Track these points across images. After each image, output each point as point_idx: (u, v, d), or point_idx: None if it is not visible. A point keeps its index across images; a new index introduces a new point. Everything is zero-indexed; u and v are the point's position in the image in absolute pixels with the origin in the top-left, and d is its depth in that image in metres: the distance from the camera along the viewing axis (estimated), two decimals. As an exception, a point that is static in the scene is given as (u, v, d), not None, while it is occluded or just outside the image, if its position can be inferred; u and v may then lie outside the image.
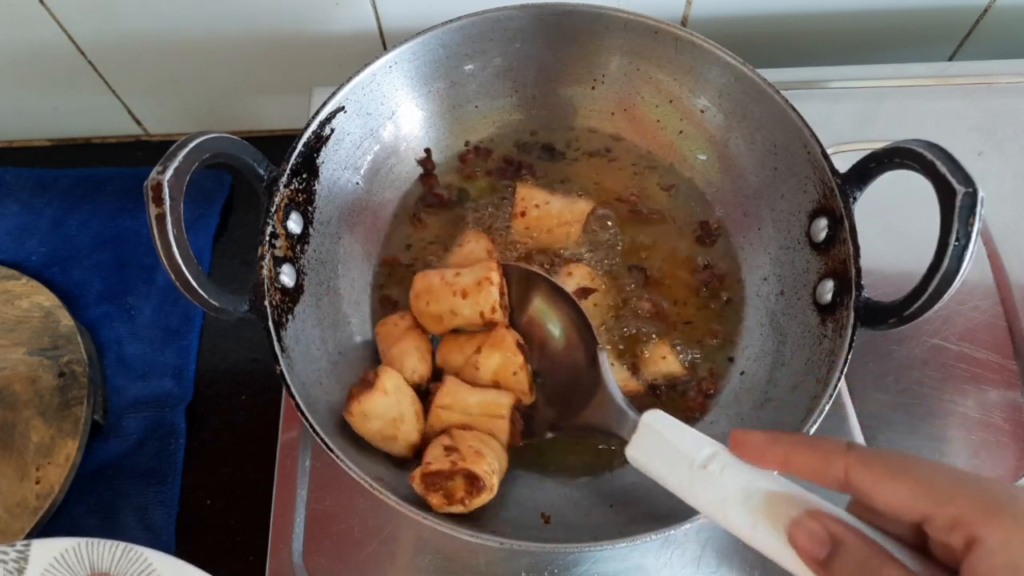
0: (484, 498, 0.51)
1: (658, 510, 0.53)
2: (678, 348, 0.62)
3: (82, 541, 0.44)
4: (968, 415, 0.63)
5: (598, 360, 0.54)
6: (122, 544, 0.43)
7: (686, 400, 0.60)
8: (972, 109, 0.76)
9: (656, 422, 0.45)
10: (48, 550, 0.44)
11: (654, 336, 0.62)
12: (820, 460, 0.36)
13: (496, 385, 0.56)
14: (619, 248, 0.66)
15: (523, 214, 0.64)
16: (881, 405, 0.64)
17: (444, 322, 0.58)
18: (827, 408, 0.50)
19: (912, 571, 0.33)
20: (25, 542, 0.43)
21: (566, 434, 0.56)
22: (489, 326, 0.57)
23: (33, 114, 0.84)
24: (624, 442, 0.47)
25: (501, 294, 0.57)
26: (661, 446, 0.43)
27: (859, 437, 0.62)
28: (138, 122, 0.86)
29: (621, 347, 0.62)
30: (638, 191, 0.68)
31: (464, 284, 0.57)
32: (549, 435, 0.56)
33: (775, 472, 0.40)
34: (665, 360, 0.61)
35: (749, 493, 0.38)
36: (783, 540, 0.36)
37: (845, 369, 0.51)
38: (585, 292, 0.62)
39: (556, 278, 0.60)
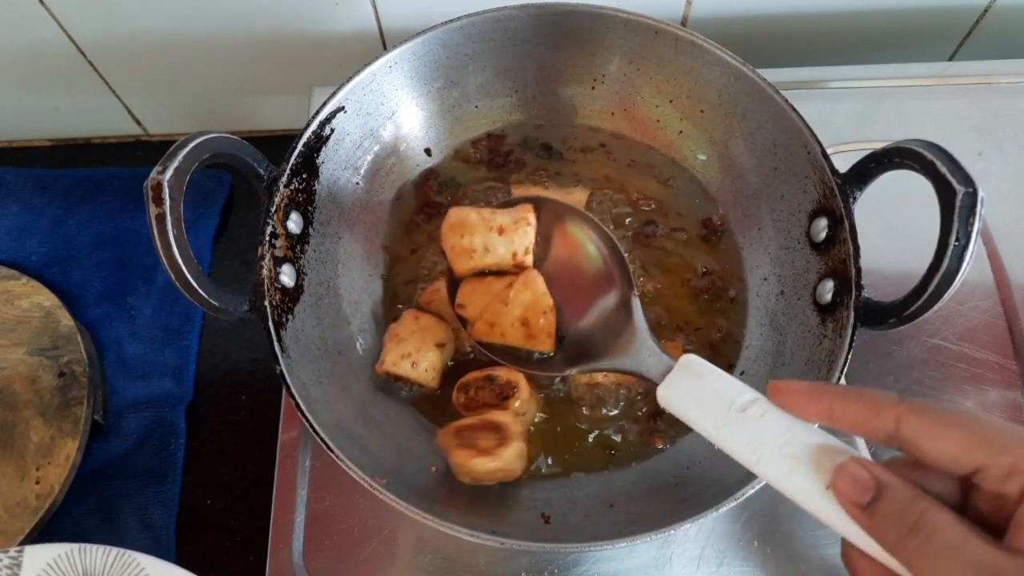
0: (513, 450, 0.52)
1: (657, 510, 0.53)
2: (689, 350, 0.62)
3: (75, 547, 0.44)
4: (968, 415, 0.63)
5: (631, 303, 0.54)
6: (115, 549, 0.43)
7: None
8: (972, 109, 0.76)
9: (695, 364, 0.44)
10: (41, 556, 0.44)
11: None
12: (868, 410, 0.35)
13: (523, 324, 0.56)
14: (628, 223, 0.66)
15: None
16: (881, 405, 0.64)
17: (474, 259, 0.57)
18: (827, 408, 0.50)
19: (957, 514, 0.32)
20: (18, 548, 0.43)
21: (588, 371, 0.56)
22: (518, 269, 0.57)
23: (33, 114, 0.84)
24: (651, 384, 0.47)
25: (535, 238, 0.58)
26: (698, 387, 0.43)
27: (859, 437, 0.62)
28: (138, 122, 0.86)
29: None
30: (636, 181, 0.68)
31: (501, 222, 0.57)
32: (571, 371, 0.56)
33: (815, 425, 0.39)
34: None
35: (788, 439, 0.37)
36: (820, 487, 0.36)
37: (845, 369, 0.51)
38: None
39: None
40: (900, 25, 0.81)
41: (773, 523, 0.59)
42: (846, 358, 0.51)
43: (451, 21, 0.63)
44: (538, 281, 0.57)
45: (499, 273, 0.58)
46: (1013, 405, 0.64)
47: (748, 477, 0.49)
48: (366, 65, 0.61)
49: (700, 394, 0.42)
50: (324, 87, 0.69)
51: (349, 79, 0.61)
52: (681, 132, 0.68)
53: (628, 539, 0.47)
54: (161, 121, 0.86)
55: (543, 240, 0.59)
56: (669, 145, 0.69)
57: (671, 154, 0.69)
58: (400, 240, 0.67)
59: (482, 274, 0.59)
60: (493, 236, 0.56)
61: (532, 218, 0.57)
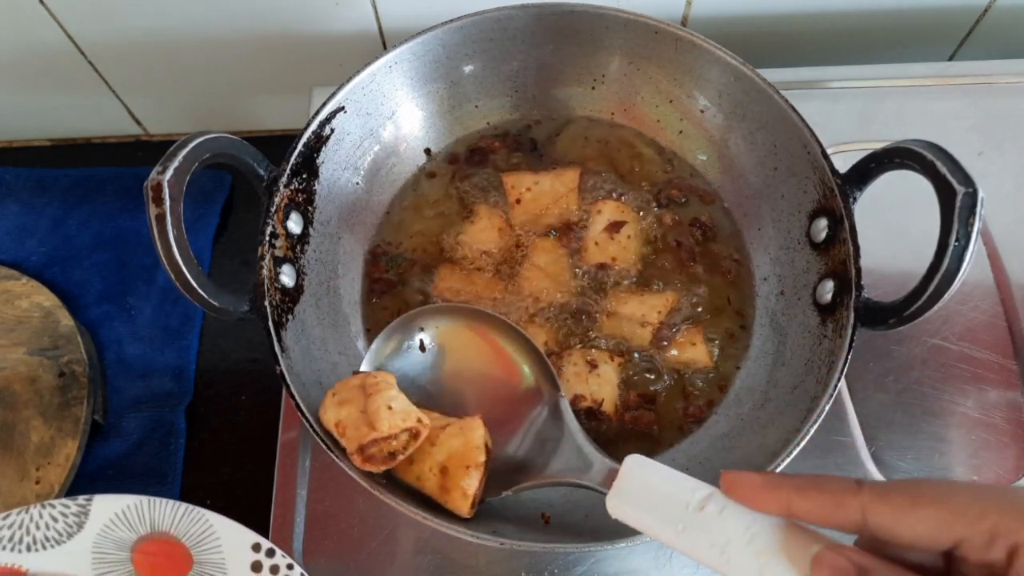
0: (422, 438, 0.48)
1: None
2: (713, 340, 0.61)
3: (144, 499, 0.43)
4: (968, 415, 0.63)
5: (560, 408, 0.51)
6: (184, 504, 0.43)
7: (687, 403, 0.60)
8: (972, 109, 0.76)
9: (640, 466, 0.41)
10: (110, 506, 0.43)
11: (683, 323, 0.62)
12: (830, 503, 0.33)
13: (443, 473, 0.49)
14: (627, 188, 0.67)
15: (519, 201, 0.65)
16: (881, 405, 0.64)
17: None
18: (827, 408, 0.50)
19: None
20: (88, 497, 0.43)
21: (523, 490, 0.50)
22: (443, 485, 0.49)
23: (33, 114, 0.84)
24: (595, 492, 0.45)
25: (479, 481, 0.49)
26: (648, 491, 0.39)
27: (859, 437, 0.62)
28: (138, 122, 0.86)
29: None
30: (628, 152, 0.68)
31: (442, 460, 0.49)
32: (506, 494, 0.50)
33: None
34: (695, 347, 0.61)
35: (753, 534, 0.35)
36: None
37: (845, 369, 0.51)
38: (616, 225, 0.62)
39: (586, 219, 0.61)
40: (900, 25, 0.81)
41: (773, 523, 0.59)
42: (846, 358, 0.51)
43: (451, 21, 0.63)
44: (478, 432, 0.49)
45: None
46: (1013, 405, 0.64)
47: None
48: (366, 65, 0.61)
49: (651, 498, 0.39)
50: (324, 87, 0.70)
51: (349, 79, 0.61)
52: (681, 132, 0.68)
53: (628, 539, 0.47)
54: (161, 121, 0.86)
55: (460, 359, 0.54)
56: (669, 145, 0.69)
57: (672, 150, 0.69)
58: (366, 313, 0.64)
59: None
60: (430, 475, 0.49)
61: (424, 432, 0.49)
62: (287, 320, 0.56)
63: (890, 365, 0.65)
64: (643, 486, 0.40)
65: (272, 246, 0.56)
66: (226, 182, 0.81)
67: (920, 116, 0.76)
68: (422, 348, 0.55)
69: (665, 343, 0.61)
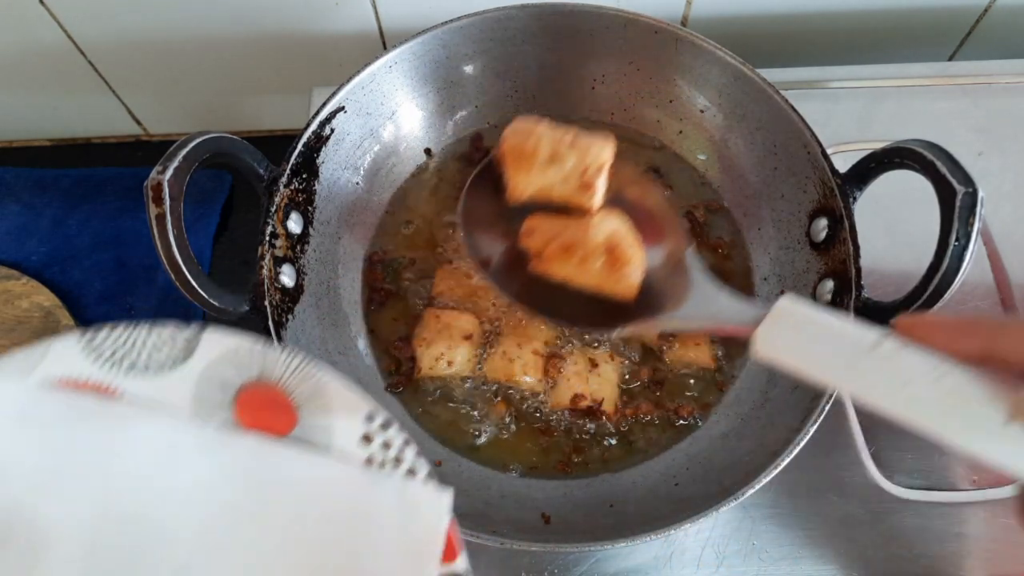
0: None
1: (657, 510, 0.53)
2: (715, 341, 0.62)
3: (258, 343, 0.39)
4: (968, 415, 0.63)
5: (684, 259, 0.47)
6: (300, 355, 0.39)
7: (688, 402, 0.60)
8: (972, 109, 0.76)
9: (797, 306, 0.37)
10: (220, 342, 0.39)
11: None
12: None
13: (609, 252, 0.46)
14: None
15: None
16: (881, 405, 0.64)
17: (534, 171, 0.48)
18: (827, 408, 0.50)
19: None
20: (199, 327, 0.39)
21: (654, 327, 0.47)
22: (583, 192, 0.48)
23: (33, 114, 0.84)
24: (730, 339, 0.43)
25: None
26: (806, 331, 0.36)
27: (859, 437, 0.62)
28: (138, 122, 0.86)
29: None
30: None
31: (576, 136, 0.49)
32: (637, 327, 0.47)
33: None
34: (698, 347, 0.61)
35: (941, 373, 0.31)
36: (997, 422, 0.30)
37: (845, 369, 0.51)
38: None
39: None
40: (900, 25, 0.81)
41: (773, 523, 0.59)
42: (846, 358, 0.51)
43: (451, 21, 0.63)
44: (622, 218, 0.48)
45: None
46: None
47: (748, 477, 0.49)
48: (366, 65, 0.61)
49: (812, 338, 0.36)
50: (324, 87, 0.70)
51: (349, 79, 0.61)
52: (681, 132, 0.68)
53: (628, 539, 0.47)
54: (161, 121, 0.86)
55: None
56: (669, 145, 0.69)
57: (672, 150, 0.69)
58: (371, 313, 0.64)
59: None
60: (563, 146, 0.47)
61: (612, 143, 0.48)
62: (287, 320, 0.56)
63: (890, 365, 0.65)
64: (799, 325, 0.37)
65: (272, 246, 0.56)
66: (226, 182, 0.81)
67: (920, 116, 0.76)
68: None
69: (672, 337, 0.61)
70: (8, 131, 0.86)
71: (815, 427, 0.50)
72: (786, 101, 0.59)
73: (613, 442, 0.59)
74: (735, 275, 0.64)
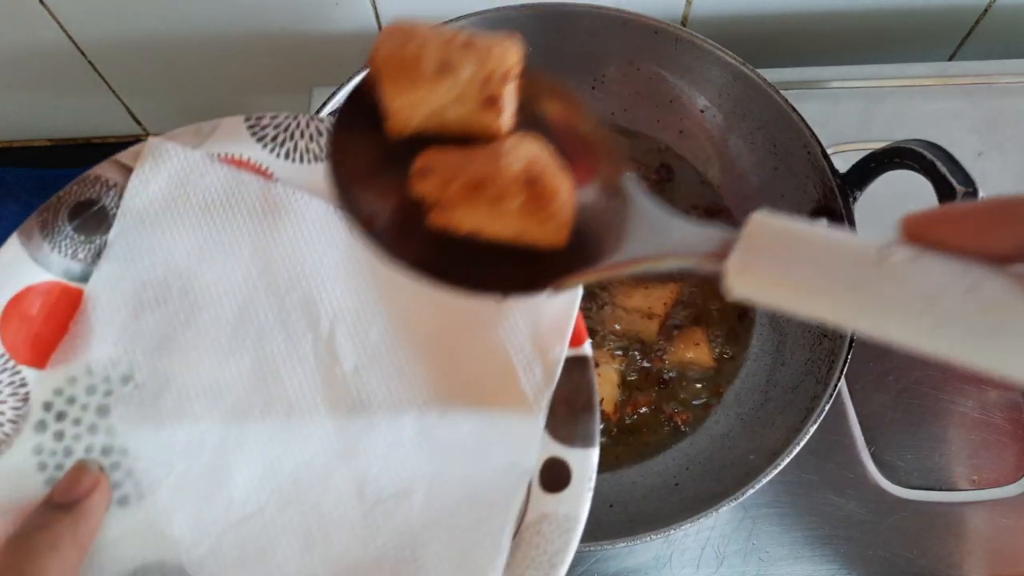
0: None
1: (657, 510, 0.53)
2: (714, 341, 0.61)
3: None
4: (968, 415, 0.63)
5: (621, 184, 0.34)
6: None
7: (687, 402, 0.60)
8: (972, 109, 0.76)
9: (774, 220, 0.29)
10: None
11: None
12: None
13: (529, 186, 0.32)
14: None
15: None
16: (881, 405, 0.64)
17: (419, 85, 0.35)
18: (827, 408, 0.50)
19: None
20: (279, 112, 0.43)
21: (600, 274, 0.34)
22: (486, 110, 0.34)
23: (33, 114, 0.84)
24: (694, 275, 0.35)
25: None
26: (793, 252, 0.28)
27: (859, 437, 0.62)
28: (138, 122, 0.86)
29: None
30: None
31: (470, 36, 0.35)
32: (578, 278, 0.34)
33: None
34: (698, 347, 0.61)
35: (972, 283, 0.23)
36: None
37: (845, 369, 0.51)
38: None
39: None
40: (900, 25, 0.81)
41: (773, 523, 0.59)
42: (846, 358, 0.51)
43: (451, 21, 0.63)
44: (539, 141, 0.34)
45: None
46: (1013, 405, 0.64)
47: (748, 476, 0.49)
48: (366, 65, 0.61)
49: (800, 259, 0.28)
50: (324, 87, 0.70)
51: (349, 79, 0.61)
52: (681, 132, 0.68)
53: (628, 539, 0.47)
54: (161, 121, 0.86)
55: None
56: (669, 145, 0.69)
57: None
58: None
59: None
60: (454, 50, 0.35)
61: (519, 44, 0.35)
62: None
63: (890, 365, 0.65)
64: (782, 245, 0.29)
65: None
66: (226, 182, 0.81)
67: (920, 116, 0.76)
68: None
69: (674, 332, 0.61)
70: (8, 131, 0.86)
71: (815, 427, 0.50)
72: (786, 101, 0.59)
73: (613, 442, 0.59)
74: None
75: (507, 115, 0.35)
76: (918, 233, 0.26)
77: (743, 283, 0.28)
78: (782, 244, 0.28)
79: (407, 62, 0.36)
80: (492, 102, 0.34)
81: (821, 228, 0.28)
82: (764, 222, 0.29)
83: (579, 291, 0.37)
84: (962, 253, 0.24)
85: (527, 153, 0.33)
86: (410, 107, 0.36)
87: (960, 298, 0.23)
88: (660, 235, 0.32)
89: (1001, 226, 0.23)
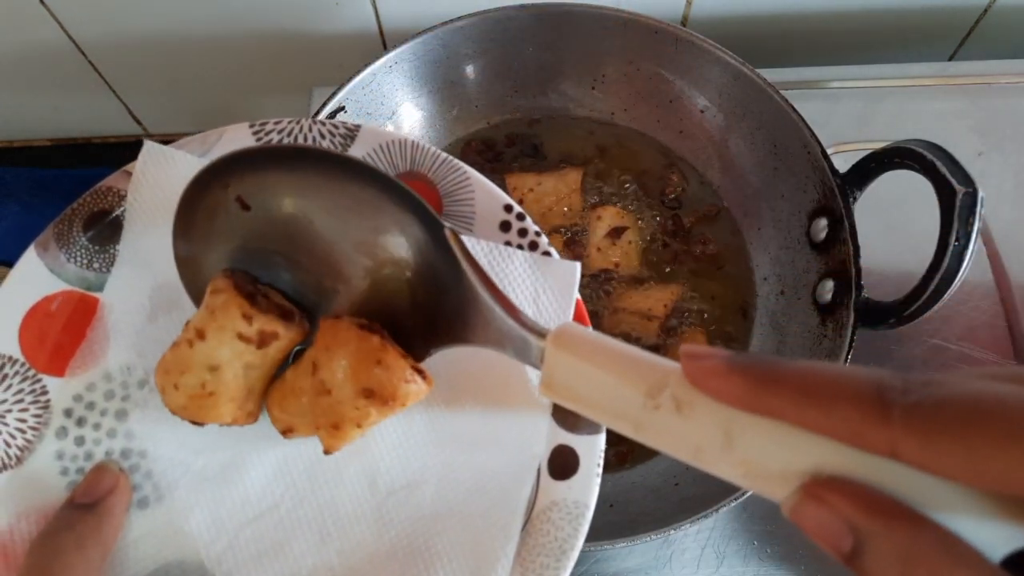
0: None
1: (657, 510, 0.53)
2: (714, 342, 0.61)
3: (409, 139, 0.42)
4: (968, 415, 0.63)
5: (451, 250, 0.34)
6: (445, 154, 0.41)
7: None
8: (972, 109, 0.76)
9: (565, 349, 0.30)
10: (376, 137, 0.42)
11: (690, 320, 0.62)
12: (842, 430, 0.22)
13: (368, 394, 0.33)
14: (629, 189, 0.67)
15: (521, 201, 0.65)
16: (881, 405, 0.64)
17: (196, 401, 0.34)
18: (827, 408, 0.50)
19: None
20: (356, 124, 0.42)
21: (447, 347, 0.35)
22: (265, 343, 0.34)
23: (33, 114, 0.84)
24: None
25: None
26: (585, 377, 0.29)
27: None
28: (138, 122, 0.86)
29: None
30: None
31: (195, 323, 0.35)
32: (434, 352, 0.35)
33: None
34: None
35: (731, 435, 0.25)
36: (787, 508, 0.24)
37: (845, 369, 0.51)
38: (618, 231, 0.62)
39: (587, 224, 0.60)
40: (900, 25, 0.81)
41: (773, 523, 0.59)
42: (846, 358, 0.51)
43: (451, 21, 0.63)
44: (342, 326, 0.34)
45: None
46: (1013, 405, 0.64)
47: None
48: (366, 65, 0.61)
49: (591, 389, 0.29)
50: (324, 87, 0.70)
51: (349, 79, 0.61)
52: (681, 132, 0.68)
53: (628, 539, 0.47)
54: (161, 121, 0.86)
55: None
56: (669, 145, 0.69)
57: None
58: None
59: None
60: (197, 351, 0.34)
61: (221, 282, 0.35)
62: (287, 320, 0.55)
63: (890, 365, 0.65)
64: (576, 374, 0.30)
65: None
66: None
67: (920, 116, 0.76)
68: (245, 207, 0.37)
69: (675, 333, 0.61)
70: (8, 131, 0.86)
71: (815, 427, 0.50)
72: (786, 101, 0.59)
73: (614, 442, 0.59)
74: (735, 276, 0.64)
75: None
76: (695, 380, 0.26)
77: (549, 392, 0.31)
78: (573, 378, 0.30)
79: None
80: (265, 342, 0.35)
81: (602, 361, 0.29)
82: (555, 356, 0.30)
83: (577, 275, 0.38)
84: (739, 409, 0.25)
85: (343, 365, 0.33)
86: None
87: (717, 452, 0.25)
88: (488, 329, 0.33)
89: (757, 399, 0.24)
